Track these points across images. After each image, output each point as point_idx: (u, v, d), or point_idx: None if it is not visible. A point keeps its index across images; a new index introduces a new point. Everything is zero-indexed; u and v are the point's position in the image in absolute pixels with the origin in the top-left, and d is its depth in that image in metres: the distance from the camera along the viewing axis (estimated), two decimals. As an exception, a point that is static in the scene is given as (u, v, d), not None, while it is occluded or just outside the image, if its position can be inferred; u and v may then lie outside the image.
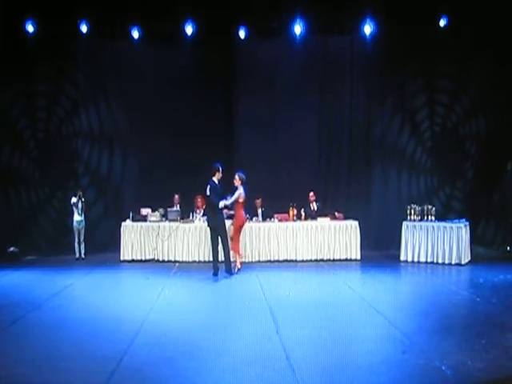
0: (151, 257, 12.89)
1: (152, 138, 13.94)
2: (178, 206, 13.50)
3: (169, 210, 13.19)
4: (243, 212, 11.53)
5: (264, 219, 13.29)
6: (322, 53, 14.24)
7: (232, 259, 11.21)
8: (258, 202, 13.48)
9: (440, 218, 12.96)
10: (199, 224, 12.65)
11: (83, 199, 13.37)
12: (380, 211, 14.41)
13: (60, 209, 14.05)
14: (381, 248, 13.91)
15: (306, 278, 10.96)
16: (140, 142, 14.09)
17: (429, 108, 14.43)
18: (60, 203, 14.06)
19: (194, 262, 12.68)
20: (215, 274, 10.82)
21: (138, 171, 14.34)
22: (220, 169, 10.83)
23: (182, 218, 13.04)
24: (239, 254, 11.56)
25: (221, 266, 11.00)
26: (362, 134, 14.53)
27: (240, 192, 11.15)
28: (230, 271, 10.88)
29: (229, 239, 11.25)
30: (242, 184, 11.20)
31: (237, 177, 11.24)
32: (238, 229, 11.56)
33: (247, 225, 12.56)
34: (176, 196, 13.43)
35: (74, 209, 13.33)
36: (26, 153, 14.01)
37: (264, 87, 14.04)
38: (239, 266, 11.36)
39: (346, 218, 13.27)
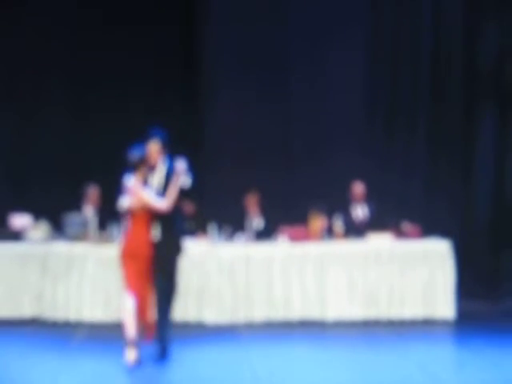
0: (31, 314, 9.25)
1: (40, 86, 10.54)
2: (93, 210, 9.33)
3: (68, 217, 9.12)
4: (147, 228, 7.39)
5: (260, 237, 9.30)
6: None
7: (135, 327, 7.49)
8: (250, 202, 9.45)
9: None
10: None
11: None
12: (494, 218, 10.24)
13: None
14: (497, 295, 10.08)
15: (344, 360, 7.81)
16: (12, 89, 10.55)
17: None
18: None
19: (117, 324, 8.87)
20: (162, 351, 7.61)
21: (7, 143, 10.84)
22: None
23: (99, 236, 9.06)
24: (145, 319, 7.83)
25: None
26: (458, 63, 10.31)
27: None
28: (164, 353, 7.55)
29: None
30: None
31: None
32: (134, 265, 7.52)
33: (222, 253, 9.03)
34: (93, 191, 9.53)
35: None
36: None
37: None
38: (133, 358, 7.55)
39: (424, 233, 9.35)
